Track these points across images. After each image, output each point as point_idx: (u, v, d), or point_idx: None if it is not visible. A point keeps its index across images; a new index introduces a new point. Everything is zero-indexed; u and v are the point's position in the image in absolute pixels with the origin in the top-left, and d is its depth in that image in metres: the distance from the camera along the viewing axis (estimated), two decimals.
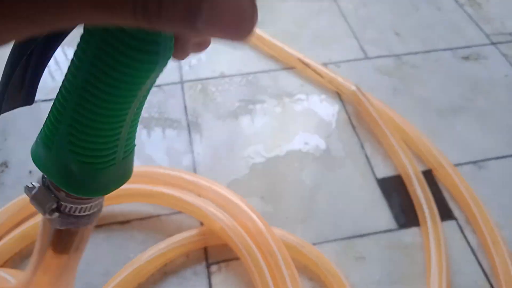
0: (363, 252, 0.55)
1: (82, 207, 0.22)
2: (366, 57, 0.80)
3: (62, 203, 0.22)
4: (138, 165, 0.59)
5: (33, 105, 0.22)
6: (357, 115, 0.70)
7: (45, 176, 0.22)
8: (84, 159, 0.19)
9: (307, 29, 0.85)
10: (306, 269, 0.53)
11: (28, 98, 0.21)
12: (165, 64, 0.18)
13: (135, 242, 0.54)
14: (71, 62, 0.18)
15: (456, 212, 0.59)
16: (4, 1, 0.13)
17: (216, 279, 0.52)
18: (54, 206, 0.22)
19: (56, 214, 0.22)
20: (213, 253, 0.54)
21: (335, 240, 0.56)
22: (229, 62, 0.77)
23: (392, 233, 0.57)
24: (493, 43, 0.83)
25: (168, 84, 0.73)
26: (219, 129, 0.68)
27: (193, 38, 0.19)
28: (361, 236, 0.57)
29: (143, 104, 0.21)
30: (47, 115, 0.20)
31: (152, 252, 0.51)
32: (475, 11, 0.90)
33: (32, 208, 0.54)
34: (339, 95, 0.73)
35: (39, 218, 0.52)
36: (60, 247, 0.25)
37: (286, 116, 0.70)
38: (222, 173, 0.61)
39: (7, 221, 0.53)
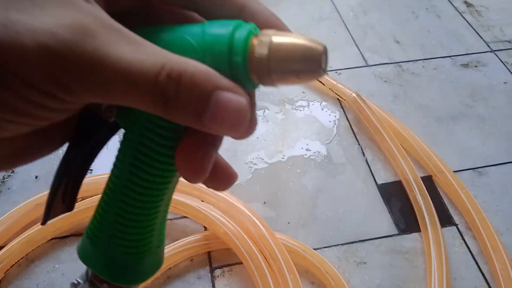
0: (364, 257, 0.56)
1: None
2: (367, 65, 0.81)
3: None
4: None
5: None
6: (357, 122, 0.71)
7: (88, 271, 0.24)
8: (127, 250, 0.22)
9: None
10: (308, 274, 0.54)
11: (69, 205, 0.22)
12: None
13: None
14: (113, 165, 0.20)
15: (456, 218, 0.60)
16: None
17: (220, 283, 0.52)
18: None
19: None
20: (217, 257, 0.54)
21: (336, 245, 0.57)
22: None
23: (393, 238, 0.58)
24: (492, 51, 0.84)
25: None
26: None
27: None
28: (362, 241, 0.57)
29: (172, 193, 0.22)
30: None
31: None
32: (475, 19, 0.91)
33: (38, 212, 0.55)
34: (340, 102, 0.74)
35: None
36: None
37: (288, 123, 0.71)
38: None
39: (13, 225, 0.54)
